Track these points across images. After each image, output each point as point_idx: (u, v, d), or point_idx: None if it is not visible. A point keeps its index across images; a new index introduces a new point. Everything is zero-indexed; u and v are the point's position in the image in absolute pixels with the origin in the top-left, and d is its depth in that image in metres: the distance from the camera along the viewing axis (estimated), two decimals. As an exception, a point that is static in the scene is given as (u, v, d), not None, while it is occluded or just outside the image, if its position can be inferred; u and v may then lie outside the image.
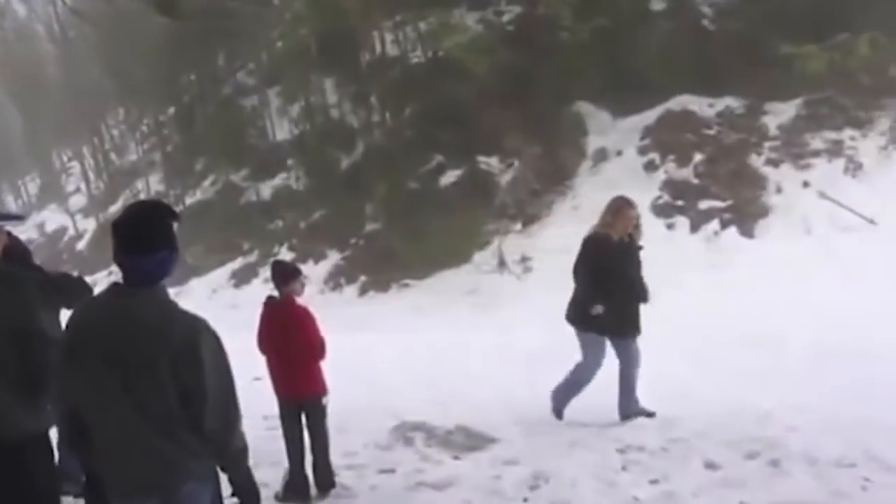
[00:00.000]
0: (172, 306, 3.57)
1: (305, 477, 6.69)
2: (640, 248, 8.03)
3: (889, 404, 7.58)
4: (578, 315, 7.99)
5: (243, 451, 3.68)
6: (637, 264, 7.98)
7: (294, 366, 6.53)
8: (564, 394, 8.16)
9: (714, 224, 15.98)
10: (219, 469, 3.71)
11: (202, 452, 3.55)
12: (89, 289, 5.41)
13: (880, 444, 6.57)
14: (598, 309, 7.66)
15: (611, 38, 18.73)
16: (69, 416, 3.68)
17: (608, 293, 7.71)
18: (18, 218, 5.78)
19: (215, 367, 3.50)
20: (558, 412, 8.18)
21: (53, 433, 4.25)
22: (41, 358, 4.02)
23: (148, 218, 3.60)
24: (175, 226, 3.65)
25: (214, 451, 3.59)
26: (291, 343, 6.48)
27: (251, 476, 3.76)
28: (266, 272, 17.23)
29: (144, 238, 3.51)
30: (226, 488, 3.79)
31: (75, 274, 7.20)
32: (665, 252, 13.85)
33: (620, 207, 7.98)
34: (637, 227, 8.03)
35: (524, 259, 17.01)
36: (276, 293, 6.65)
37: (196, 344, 3.44)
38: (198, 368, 3.43)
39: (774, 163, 16.70)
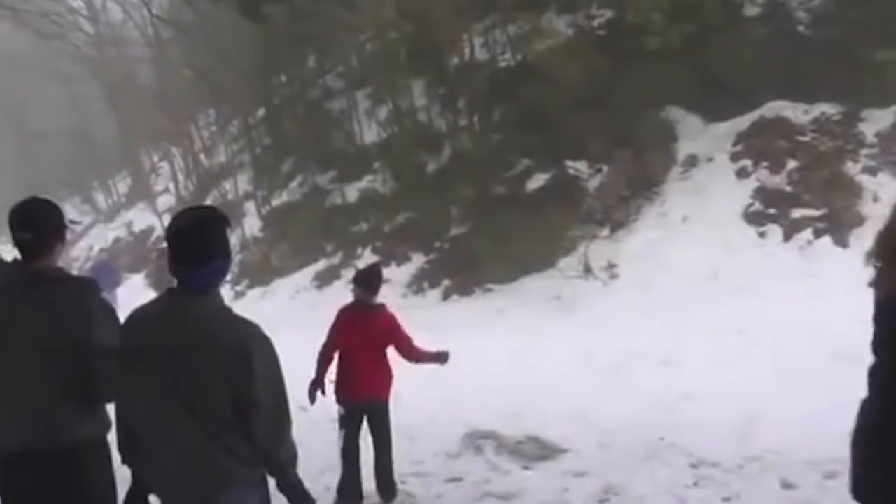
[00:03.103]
0: (228, 313, 3.56)
1: (360, 481, 6.67)
2: None
3: None
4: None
5: (293, 459, 3.64)
6: None
7: (371, 371, 6.55)
8: None
9: (807, 233, 15.44)
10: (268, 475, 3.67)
11: (251, 459, 3.53)
12: None
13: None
14: None
15: (703, 43, 18.29)
16: (124, 421, 3.70)
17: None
18: (72, 223, 5.84)
19: (268, 375, 3.47)
20: None
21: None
22: (99, 367, 3.99)
23: (202, 227, 3.57)
24: (228, 231, 3.62)
25: (264, 458, 3.56)
26: (376, 348, 6.53)
27: (300, 482, 3.69)
28: (349, 274, 17.33)
29: (200, 249, 3.49)
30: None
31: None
32: (757, 261, 13.55)
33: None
34: None
35: (610, 266, 16.71)
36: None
37: (249, 352, 3.41)
38: (251, 377, 3.40)
39: (871, 171, 16.09)
